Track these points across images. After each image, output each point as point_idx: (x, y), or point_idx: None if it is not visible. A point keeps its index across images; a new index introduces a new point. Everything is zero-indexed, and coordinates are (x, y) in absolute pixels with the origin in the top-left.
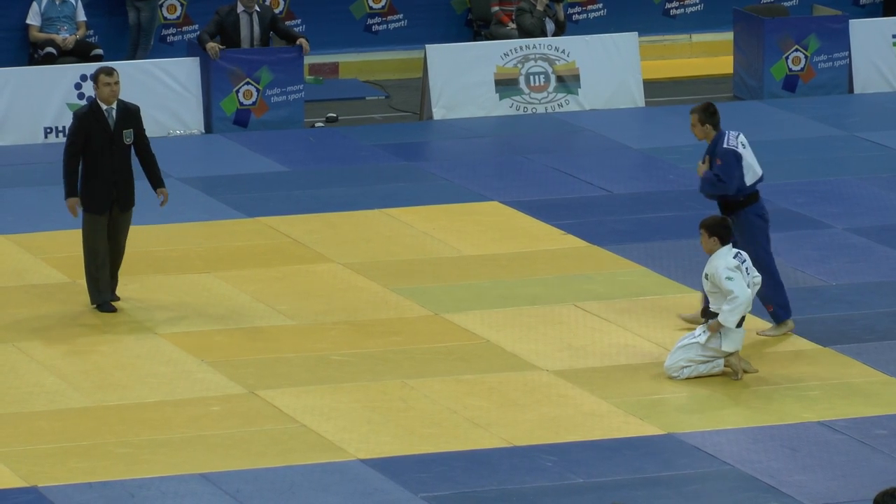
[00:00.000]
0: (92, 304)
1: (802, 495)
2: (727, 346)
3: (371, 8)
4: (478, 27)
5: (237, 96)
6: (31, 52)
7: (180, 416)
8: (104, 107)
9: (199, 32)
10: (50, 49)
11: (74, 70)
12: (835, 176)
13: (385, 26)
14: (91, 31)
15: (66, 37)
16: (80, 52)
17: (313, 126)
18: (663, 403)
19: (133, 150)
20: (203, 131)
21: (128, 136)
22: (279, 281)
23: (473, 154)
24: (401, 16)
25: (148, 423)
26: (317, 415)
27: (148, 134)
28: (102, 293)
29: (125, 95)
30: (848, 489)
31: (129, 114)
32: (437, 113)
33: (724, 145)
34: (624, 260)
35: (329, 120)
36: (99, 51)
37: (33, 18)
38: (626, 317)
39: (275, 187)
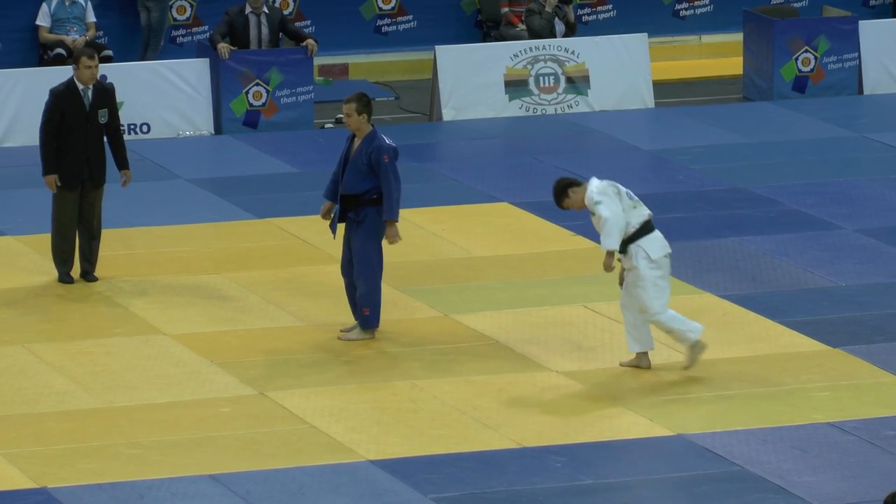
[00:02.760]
0: (58, 278)
1: (812, 496)
2: (653, 253)
3: (381, 9)
4: (487, 28)
5: (247, 97)
6: (41, 54)
7: (190, 417)
8: (81, 87)
9: (209, 33)
10: (60, 50)
11: None
12: (844, 177)
13: (395, 27)
14: (101, 32)
15: (75, 38)
16: None
17: (323, 127)
18: (672, 404)
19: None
20: (212, 132)
21: (102, 116)
22: (289, 282)
23: (483, 155)
24: (410, 17)
25: (157, 424)
26: (326, 416)
27: (158, 135)
28: (66, 264)
29: (136, 96)
30: (857, 490)
31: (105, 93)
32: (447, 114)
33: None
34: None
35: (339, 121)
36: (109, 52)
37: (43, 20)
38: None
39: (284, 188)
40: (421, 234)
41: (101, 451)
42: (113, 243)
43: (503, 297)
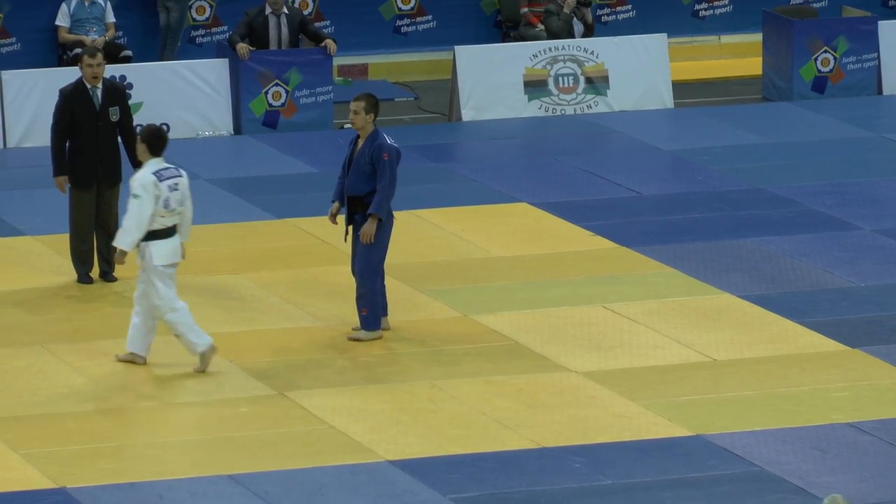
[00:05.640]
0: (77, 279)
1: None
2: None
3: (400, 9)
4: (507, 28)
5: (266, 97)
6: (61, 54)
7: (209, 417)
8: (89, 86)
9: (228, 34)
10: (79, 50)
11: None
12: (863, 178)
13: (414, 27)
14: (120, 33)
15: (95, 38)
16: (108, 54)
17: (342, 127)
18: (692, 405)
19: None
20: (232, 132)
21: (114, 114)
22: (308, 282)
23: (502, 155)
24: (430, 17)
25: (176, 424)
26: (345, 416)
27: (177, 135)
28: (85, 265)
29: (155, 96)
30: (877, 491)
31: (115, 92)
32: (466, 114)
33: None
34: (652, 261)
35: None
36: (128, 52)
37: (62, 20)
38: (655, 318)
39: (304, 188)
40: (440, 235)
41: (121, 452)
42: None
43: (522, 298)
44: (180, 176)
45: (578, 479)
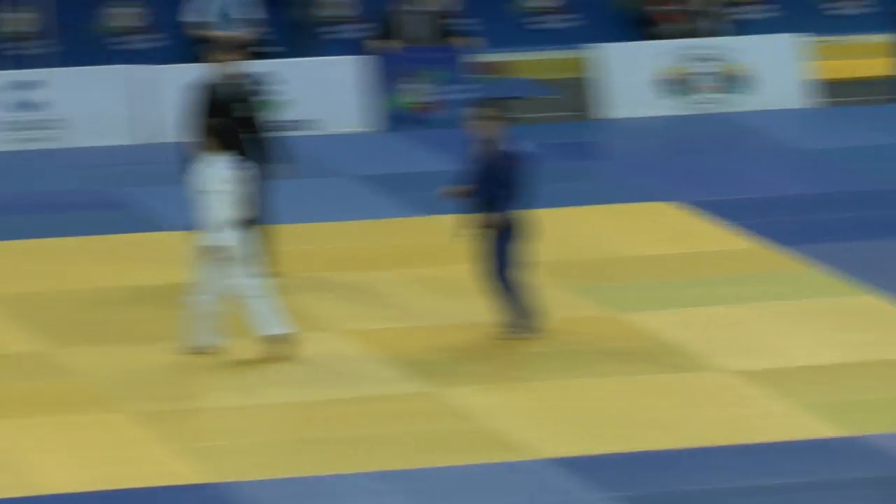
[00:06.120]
0: None
1: None
2: None
3: (541, 7)
4: (649, 27)
5: (407, 94)
6: (201, 49)
7: (365, 413)
8: (218, 81)
9: (371, 31)
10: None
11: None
12: None
13: (554, 25)
14: (263, 29)
15: (237, 34)
16: (251, 50)
17: None
18: (847, 406)
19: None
20: (372, 129)
21: (240, 109)
22: (465, 280)
23: (646, 154)
24: (570, 15)
25: (334, 420)
26: (499, 414)
27: (318, 131)
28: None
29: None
30: None
31: (244, 87)
32: (608, 112)
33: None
34: (801, 261)
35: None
36: (271, 48)
37: (205, 16)
38: (800, 318)
39: (443, 185)
40: (583, 233)
41: (286, 447)
42: (291, 239)
43: (666, 296)
44: (242, 168)
45: (731, 478)
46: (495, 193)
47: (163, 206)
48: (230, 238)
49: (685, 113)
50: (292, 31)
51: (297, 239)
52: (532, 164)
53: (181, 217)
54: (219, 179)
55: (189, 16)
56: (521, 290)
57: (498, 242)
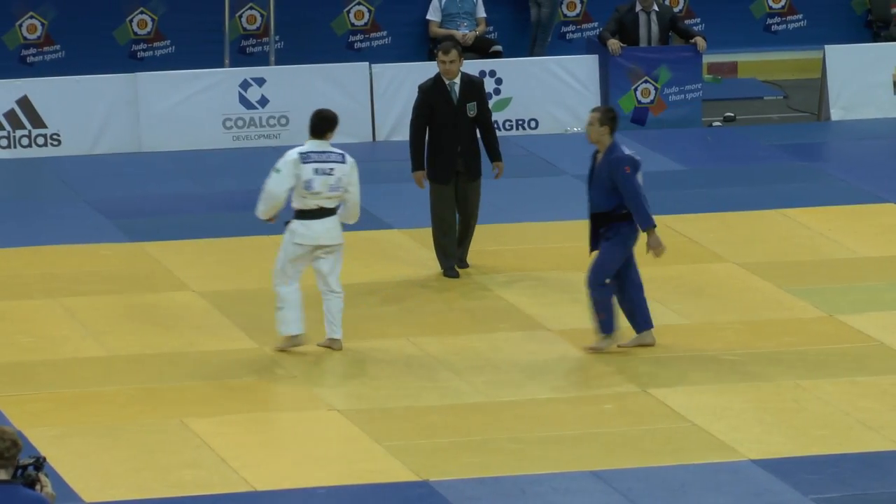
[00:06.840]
0: (442, 272)
1: None
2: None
3: (771, 8)
4: (877, 28)
5: (635, 94)
6: (431, 48)
7: (572, 413)
8: (447, 81)
9: (598, 30)
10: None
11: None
12: None
13: (784, 26)
14: (490, 28)
15: (465, 33)
16: (479, 48)
17: (710, 125)
18: None
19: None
20: None
21: (471, 109)
22: (673, 279)
23: (871, 156)
24: (800, 16)
25: (539, 419)
26: (708, 414)
27: (545, 130)
28: (448, 258)
29: (524, 91)
30: None
31: (473, 87)
32: (836, 114)
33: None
34: None
35: (727, 119)
36: (498, 47)
37: (433, 14)
38: None
39: (671, 185)
40: (807, 234)
41: (484, 446)
42: (491, 238)
43: (889, 298)
44: (341, 162)
45: None
46: (611, 204)
47: (385, 204)
48: None
49: None
50: (521, 30)
51: (515, 238)
52: (639, 168)
53: (405, 215)
54: (283, 161)
55: (428, 14)
56: (608, 295)
57: (605, 247)
